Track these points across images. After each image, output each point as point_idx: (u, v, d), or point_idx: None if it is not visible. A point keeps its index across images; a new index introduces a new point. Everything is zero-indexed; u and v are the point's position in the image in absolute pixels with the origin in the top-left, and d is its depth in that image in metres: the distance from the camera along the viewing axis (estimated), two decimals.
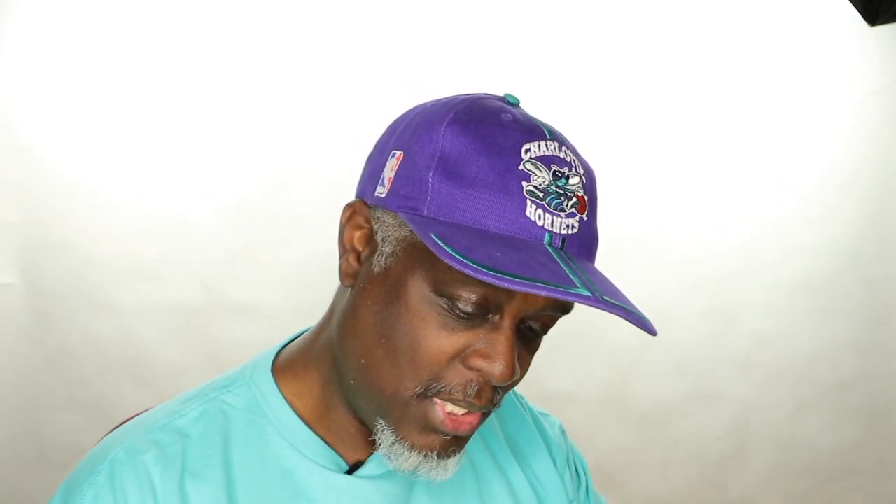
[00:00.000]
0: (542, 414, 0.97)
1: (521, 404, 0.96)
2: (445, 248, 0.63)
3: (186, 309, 2.39)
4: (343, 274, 0.75)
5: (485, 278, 0.61)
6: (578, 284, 0.64)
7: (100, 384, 2.36)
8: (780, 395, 2.60)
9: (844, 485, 2.61)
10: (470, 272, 0.62)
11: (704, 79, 2.49)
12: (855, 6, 1.71)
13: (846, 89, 2.51)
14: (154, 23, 2.33)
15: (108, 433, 0.84)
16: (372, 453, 0.78)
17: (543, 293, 0.62)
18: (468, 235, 0.65)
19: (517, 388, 0.97)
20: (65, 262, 2.34)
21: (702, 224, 2.53)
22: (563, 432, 0.96)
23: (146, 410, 0.85)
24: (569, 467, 0.94)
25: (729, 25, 2.47)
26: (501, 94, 0.77)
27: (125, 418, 0.87)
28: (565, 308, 0.72)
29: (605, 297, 0.65)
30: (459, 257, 0.62)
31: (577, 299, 0.63)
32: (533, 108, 0.82)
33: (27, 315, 2.34)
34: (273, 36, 2.37)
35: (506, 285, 0.61)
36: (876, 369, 2.60)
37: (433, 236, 0.65)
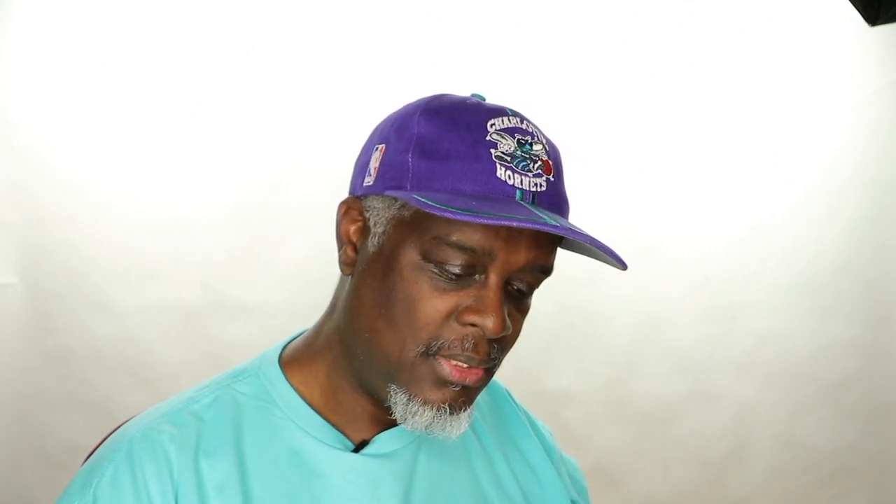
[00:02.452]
0: (535, 418, 1.03)
1: (514, 402, 1.01)
2: (426, 201, 0.70)
3: (186, 309, 2.39)
4: (342, 264, 0.81)
5: (463, 218, 0.68)
6: (548, 220, 0.71)
7: (100, 384, 2.37)
8: (780, 395, 2.60)
9: (844, 485, 2.61)
10: (449, 214, 0.69)
11: (704, 79, 2.49)
12: (855, 6, 1.71)
13: (846, 89, 2.51)
14: (154, 23, 2.33)
15: (109, 434, 0.85)
16: (376, 434, 0.84)
17: (514, 224, 0.69)
18: (447, 195, 0.73)
19: (511, 390, 1.02)
20: (65, 262, 2.34)
21: (702, 224, 2.53)
22: (551, 436, 1.02)
23: (145, 410, 0.87)
24: (566, 474, 0.99)
25: (729, 26, 2.47)
26: (498, 96, 0.85)
27: (125, 418, 0.88)
28: (545, 268, 0.78)
29: (572, 228, 0.72)
30: (439, 206, 0.69)
31: (546, 228, 0.70)
32: (530, 110, 0.84)
33: (27, 315, 2.34)
34: (273, 37, 2.37)
35: (481, 221, 0.68)
36: (876, 369, 2.60)
37: (415, 196, 0.72)
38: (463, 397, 0.77)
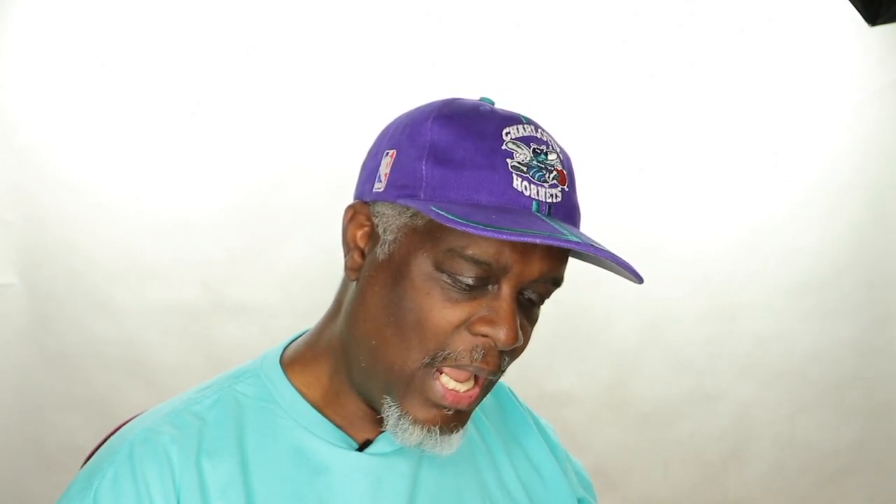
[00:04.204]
0: (539, 416, 1.02)
1: (518, 400, 1.01)
2: (447, 215, 0.69)
3: (186, 309, 2.39)
4: (348, 269, 0.80)
5: (485, 233, 0.67)
6: (568, 235, 0.71)
7: (100, 384, 2.36)
8: (780, 395, 2.60)
9: (844, 485, 2.61)
10: (471, 230, 0.67)
11: (705, 79, 2.49)
12: (855, 6, 1.71)
13: (846, 89, 2.51)
14: (154, 23, 2.33)
15: (107, 436, 0.85)
16: (379, 434, 0.83)
17: (538, 241, 0.68)
18: (464, 207, 0.71)
19: (515, 389, 1.00)
20: (65, 262, 2.34)
21: (702, 224, 2.53)
22: (555, 434, 1.02)
23: (145, 411, 0.86)
24: (573, 473, 0.99)
25: (729, 26, 2.47)
26: (498, 96, 0.84)
27: (125, 419, 0.88)
28: (557, 280, 0.78)
29: (592, 244, 0.72)
30: (460, 220, 0.68)
31: (569, 245, 0.69)
32: (531, 111, 0.84)
33: (27, 315, 2.34)
34: (273, 37, 2.37)
35: (503, 237, 0.67)
36: (876, 369, 2.60)
37: (433, 208, 0.71)
38: (455, 421, 0.77)
